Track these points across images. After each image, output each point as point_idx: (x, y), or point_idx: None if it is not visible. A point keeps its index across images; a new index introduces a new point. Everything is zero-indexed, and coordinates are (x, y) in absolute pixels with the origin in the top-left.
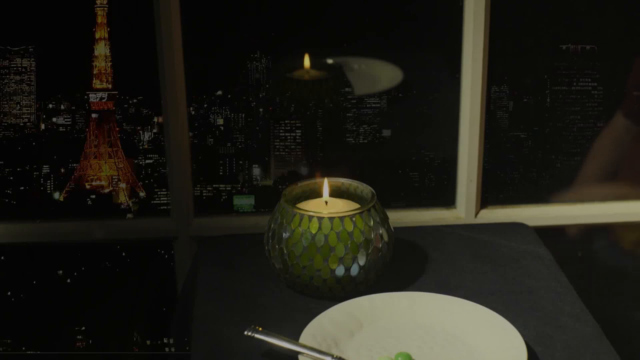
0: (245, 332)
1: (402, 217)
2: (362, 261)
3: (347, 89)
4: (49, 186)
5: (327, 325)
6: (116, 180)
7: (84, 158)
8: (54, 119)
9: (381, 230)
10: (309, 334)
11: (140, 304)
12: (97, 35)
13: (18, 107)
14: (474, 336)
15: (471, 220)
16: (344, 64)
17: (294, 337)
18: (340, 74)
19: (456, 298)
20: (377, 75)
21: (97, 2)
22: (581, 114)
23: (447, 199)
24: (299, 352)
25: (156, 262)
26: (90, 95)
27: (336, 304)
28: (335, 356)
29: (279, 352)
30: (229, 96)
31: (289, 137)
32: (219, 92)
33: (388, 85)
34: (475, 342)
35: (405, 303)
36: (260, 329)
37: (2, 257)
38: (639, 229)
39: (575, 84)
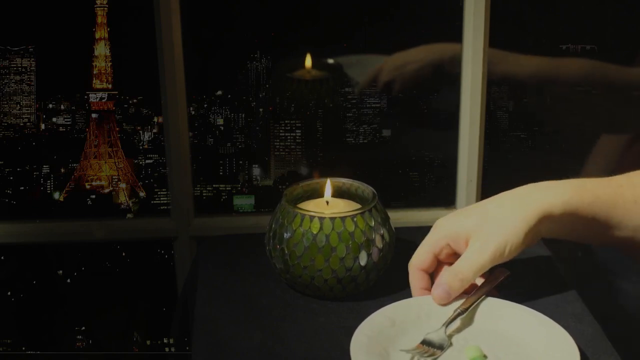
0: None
1: (402, 217)
2: (363, 261)
3: (347, 89)
4: (49, 186)
5: (383, 320)
6: (116, 180)
7: (84, 158)
8: (54, 119)
9: (382, 231)
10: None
11: (140, 304)
12: (97, 35)
13: (18, 107)
14: (531, 342)
15: None
16: (344, 63)
17: (297, 336)
18: (340, 73)
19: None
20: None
21: (97, 2)
22: (581, 114)
23: (447, 199)
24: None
25: (156, 262)
26: (90, 95)
27: (337, 303)
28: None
29: (278, 352)
30: (229, 96)
31: (289, 137)
32: (219, 92)
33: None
34: (531, 348)
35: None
36: None
37: (2, 257)
38: None
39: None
